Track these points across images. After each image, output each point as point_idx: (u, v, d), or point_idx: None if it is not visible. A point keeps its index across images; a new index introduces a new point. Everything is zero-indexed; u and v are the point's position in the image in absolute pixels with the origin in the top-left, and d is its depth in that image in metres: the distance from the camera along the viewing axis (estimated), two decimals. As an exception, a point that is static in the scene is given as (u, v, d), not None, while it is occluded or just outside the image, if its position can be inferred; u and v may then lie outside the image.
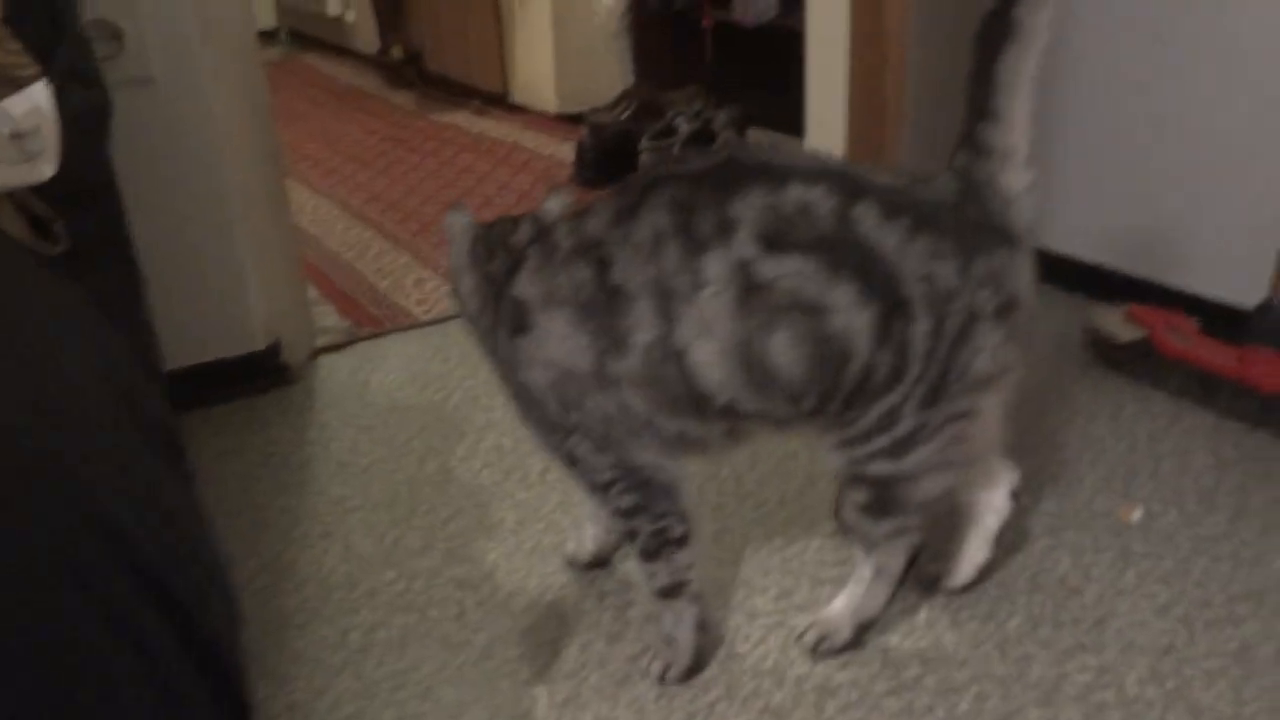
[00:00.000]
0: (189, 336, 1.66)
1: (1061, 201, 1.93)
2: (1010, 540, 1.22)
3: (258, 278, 1.70)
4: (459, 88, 3.87)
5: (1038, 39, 0.94)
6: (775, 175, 0.94)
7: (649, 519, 1.05)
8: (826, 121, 2.03)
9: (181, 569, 0.59)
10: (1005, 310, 0.96)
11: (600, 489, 1.06)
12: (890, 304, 0.93)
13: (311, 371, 1.81)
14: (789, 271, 0.92)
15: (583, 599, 1.23)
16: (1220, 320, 1.65)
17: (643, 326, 0.95)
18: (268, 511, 1.42)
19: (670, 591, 1.08)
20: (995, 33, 0.94)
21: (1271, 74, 1.59)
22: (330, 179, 2.97)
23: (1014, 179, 0.97)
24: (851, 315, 0.93)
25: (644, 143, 2.67)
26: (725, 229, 0.93)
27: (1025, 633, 1.14)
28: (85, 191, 1.11)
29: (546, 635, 1.17)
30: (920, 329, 0.94)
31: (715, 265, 0.93)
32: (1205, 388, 1.56)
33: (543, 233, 1.04)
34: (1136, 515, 1.32)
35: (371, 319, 1.99)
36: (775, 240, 0.92)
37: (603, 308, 0.96)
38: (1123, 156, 1.84)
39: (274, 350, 1.75)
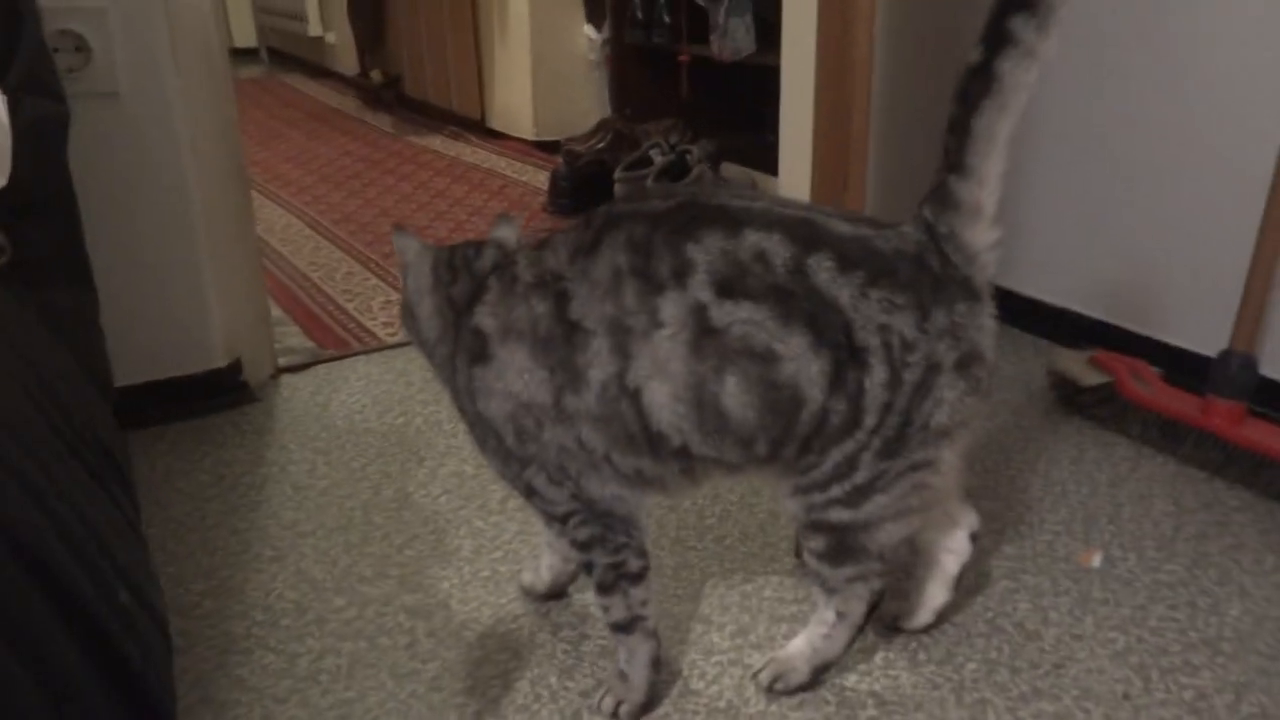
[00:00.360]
0: (148, 352, 1.64)
1: (1027, 245, 1.95)
2: (970, 582, 1.21)
3: (220, 295, 1.68)
4: (437, 112, 3.87)
5: (1018, 97, 0.93)
6: (733, 220, 0.94)
7: (606, 552, 1.03)
8: (796, 157, 2.04)
9: (103, 589, 0.56)
10: (966, 363, 0.95)
11: (558, 520, 1.04)
12: (844, 354, 0.92)
13: (272, 391, 1.79)
14: (742, 318, 0.91)
15: (537, 631, 1.20)
16: (1183, 368, 1.67)
17: (599, 363, 0.94)
18: (218, 532, 1.39)
19: (625, 626, 1.06)
20: (976, 86, 0.93)
21: (1239, 124, 1.62)
22: (302, 198, 2.95)
23: (979, 235, 0.97)
24: (802, 363, 0.92)
25: (618, 173, 2.68)
26: (681, 272, 0.92)
27: (982, 676, 1.13)
28: (39, 203, 1.09)
29: (498, 667, 1.14)
30: (876, 379, 0.93)
31: (671, 307, 0.92)
32: (1166, 435, 1.57)
33: (506, 262, 1.03)
34: (1096, 560, 1.32)
35: (336, 340, 1.97)
36: (729, 286, 0.92)
37: (560, 342, 0.96)
38: (1089, 203, 1.86)
39: (235, 369, 1.73)
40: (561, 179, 2.81)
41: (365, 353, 1.92)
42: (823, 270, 0.92)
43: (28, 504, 0.52)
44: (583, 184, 2.78)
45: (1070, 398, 1.70)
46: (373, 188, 3.06)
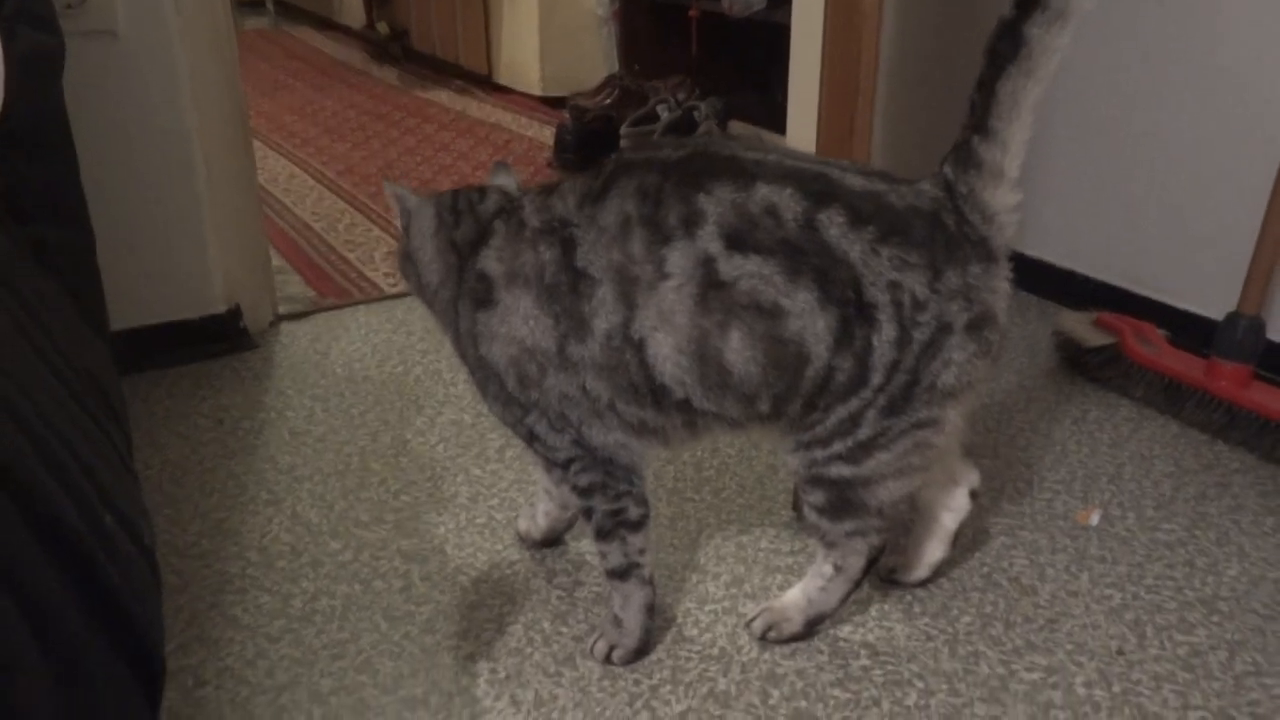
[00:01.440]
0: (148, 296, 1.63)
1: (1034, 207, 1.92)
2: (967, 538, 1.21)
3: (220, 241, 1.66)
4: (443, 66, 3.83)
5: (1047, 62, 0.90)
6: (744, 172, 0.92)
7: (606, 499, 1.03)
8: (803, 114, 2.02)
9: (88, 515, 0.56)
10: (978, 325, 0.94)
11: (559, 466, 1.04)
12: (852, 310, 0.91)
13: (272, 338, 1.78)
14: (749, 272, 0.90)
15: (531, 577, 1.20)
16: (1188, 331, 1.65)
17: (604, 312, 0.93)
18: (215, 475, 1.39)
19: (622, 573, 1.06)
20: (1004, 47, 0.91)
21: (1249, 90, 1.59)
22: (306, 149, 2.93)
23: (999, 197, 0.95)
24: (809, 319, 0.91)
25: (625, 129, 2.65)
26: (691, 222, 0.91)
27: (976, 630, 1.12)
28: (32, 137, 1.07)
29: (492, 611, 1.14)
30: (885, 337, 0.92)
31: (678, 258, 0.91)
32: (1170, 397, 1.56)
33: (511, 207, 1.02)
34: (1094, 518, 1.31)
35: (337, 289, 1.96)
36: (739, 239, 0.90)
37: (566, 289, 0.95)
38: (1099, 166, 1.83)
39: (234, 315, 1.72)
40: (567, 134, 2.78)
41: (365, 302, 1.91)
42: (834, 225, 0.90)
43: (14, 436, 0.52)
44: (589, 140, 2.75)
45: (1074, 359, 1.68)
46: (377, 140, 3.03)
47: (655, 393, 0.96)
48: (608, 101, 2.82)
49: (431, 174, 2.70)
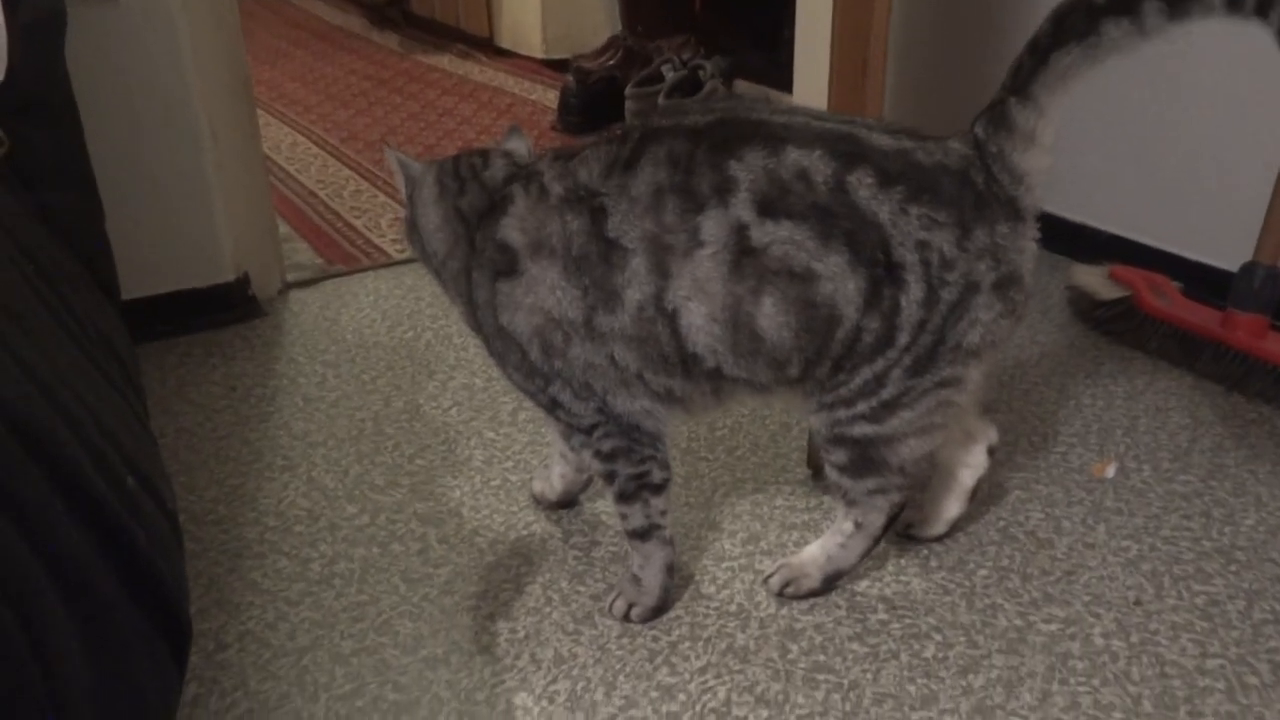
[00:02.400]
0: (156, 264, 1.62)
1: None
2: (983, 492, 1.21)
3: (226, 208, 1.66)
4: (444, 30, 3.79)
5: (1110, 55, 0.90)
6: (774, 137, 0.91)
7: (630, 463, 1.03)
8: (812, 74, 1.99)
9: (111, 477, 0.56)
10: (1004, 284, 0.94)
11: (582, 432, 1.03)
12: (881, 271, 0.90)
13: (281, 306, 1.78)
14: (782, 238, 0.89)
15: (548, 538, 1.21)
16: (1203, 283, 1.64)
17: (637, 282, 0.92)
18: (229, 442, 1.39)
19: (643, 534, 1.06)
20: (1076, 23, 0.89)
21: (1264, 41, 1.56)
22: (308, 116, 2.91)
23: (1030, 160, 0.94)
24: (840, 282, 0.91)
25: (629, 90, 2.62)
26: (724, 189, 0.90)
27: (993, 583, 1.13)
28: (38, 103, 1.07)
29: (510, 572, 1.15)
30: (913, 297, 0.91)
31: (712, 226, 0.90)
32: (1185, 348, 1.55)
33: (526, 174, 1.00)
34: (1110, 471, 1.31)
35: (345, 256, 1.95)
36: (771, 205, 0.89)
37: (597, 260, 0.93)
38: (1111, 118, 1.81)
39: (243, 283, 1.72)
40: (571, 96, 2.76)
41: (374, 268, 1.90)
42: (863, 187, 0.90)
43: (23, 381, 0.51)
44: (593, 101, 2.72)
45: (1088, 312, 1.67)
46: (380, 106, 3.01)
47: (686, 362, 0.95)
48: (611, 63, 2.79)
49: (435, 139, 2.68)
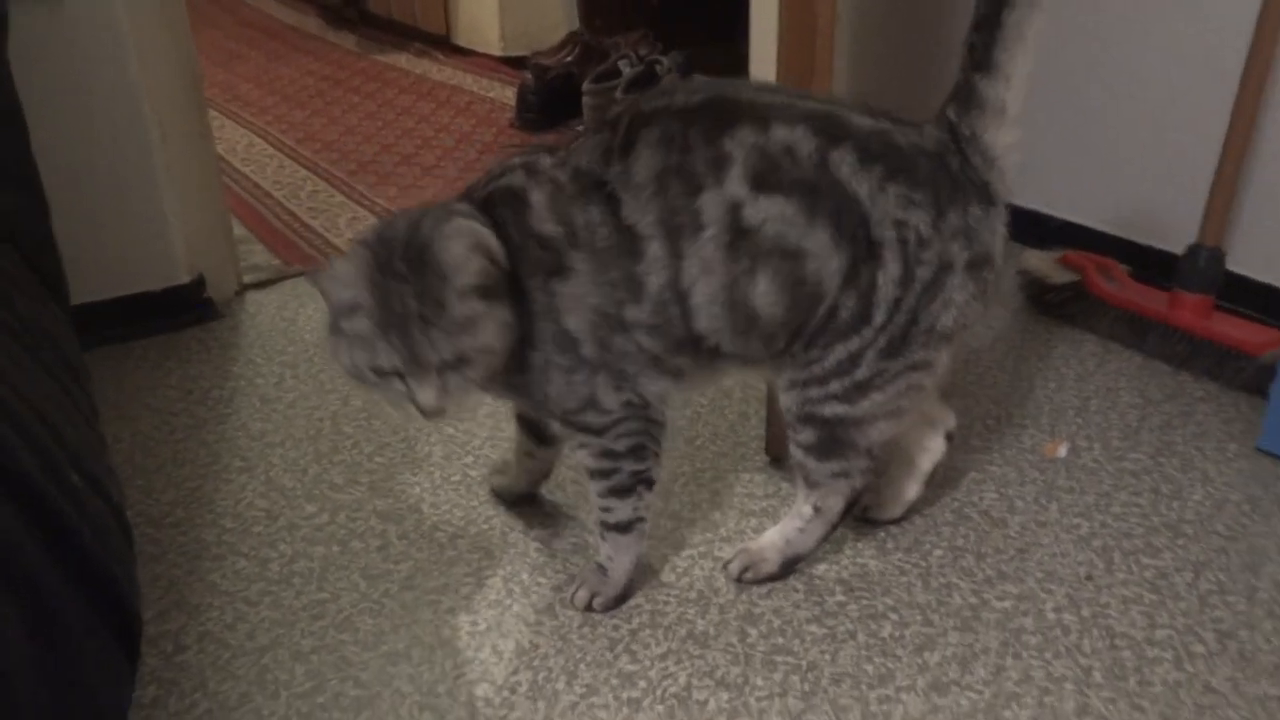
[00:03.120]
0: (108, 268, 1.61)
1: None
2: (938, 475, 1.22)
3: (179, 211, 1.64)
4: (401, 29, 3.77)
5: None
6: (760, 115, 0.92)
7: (637, 460, 1.02)
8: (764, 62, 2.01)
9: (50, 468, 0.55)
10: (977, 265, 0.96)
11: (596, 433, 1.00)
12: (861, 248, 0.92)
13: (238, 308, 1.76)
14: (773, 214, 0.91)
15: (509, 530, 1.21)
16: (1149, 266, 1.67)
17: (655, 269, 0.92)
18: (187, 445, 1.38)
19: (625, 527, 1.05)
20: None
21: (1207, 22, 1.60)
22: (264, 118, 2.88)
23: (1001, 135, 0.96)
24: (825, 259, 0.92)
25: (586, 85, 2.62)
26: (719, 166, 0.91)
27: (948, 562, 1.14)
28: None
29: (470, 566, 1.15)
30: (889, 275, 0.93)
31: (712, 205, 0.91)
32: (1134, 330, 1.58)
33: (524, 168, 0.96)
34: (1062, 451, 1.33)
35: (302, 256, 1.93)
36: (762, 179, 0.90)
37: (622, 251, 0.92)
38: (1059, 106, 1.84)
39: (198, 285, 1.70)
40: (530, 93, 2.75)
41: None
42: (845, 164, 0.91)
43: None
44: (551, 98, 2.72)
45: (1039, 297, 1.70)
46: (337, 106, 2.99)
47: (693, 342, 0.96)
48: (569, 59, 2.79)
49: (394, 138, 2.67)
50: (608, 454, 1.02)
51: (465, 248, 0.88)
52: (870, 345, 0.96)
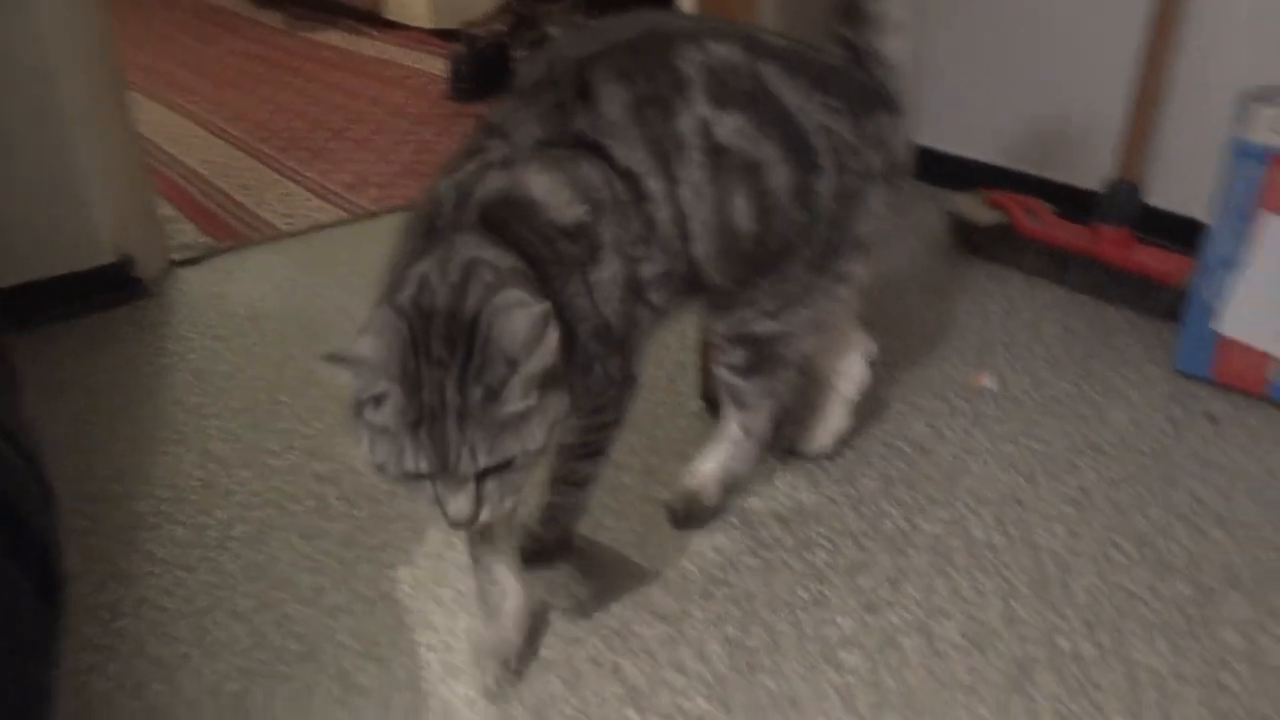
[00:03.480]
0: (31, 250, 1.58)
1: (921, 96, 1.95)
2: (868, 409, 1.25)
3: (102, 190, 1.61)
4: (330, 6, 3.72)
5: None
6: (692, 35, 0.92)
7: (620, 425, 0.97)
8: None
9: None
10: (892, 172, 0.99)
11: (607, 405, 0.93)
12: (803, 158, 0.94)
13: (168, 286, 1.74)
14: (734, 129, 0.91)
15: (447, 486, 1.21)
16: (1073, 204, 1.71)
17: (662, 200, 0.88)
18: (121, 421, 1.37)
19: (594, 481, 1.01)
20: None
21: (1116, -44, 1.63)
22: (191, 98, 2.83)
23: (892, 44, 0.99)
24: (778, 170, 0.93)
25: (519, 53, 2.61)
26: (682, 90, 0.89)
27: (879, 491, 1.17)
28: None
29: (409, 521, 1.15)
30: (826, 184, 0.95)
31: (688, 127, 0.89)
32: (1058, 265, 1.62)
33: (498, 161, 0.85)
34: (987, 381, 1.36)
35: (232, 233, 1.91)
36: (720, 98, 0.90)
37: (631, 197, 0.87)
38: (977, 50, 1.87)
39: (125, 264, 1.67)
40: (462, 64, 2.73)
41: (262, 242, 1.87)
42: (774, 77, 0.93)
43: None
44: (484, 68, 2.70)
45: (967, 238, 1.73)
46: (266, 85, 2.94)
47: (690, 278, 0.93)
48: (501, 28, 2.77)
49: (325, 113, 2.64)
50: (604, 426, 0.96)
51: (529, 324, 0.71)
52: (804, 260, 0.98)
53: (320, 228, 1.91)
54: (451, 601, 1.03)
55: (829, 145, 0.94)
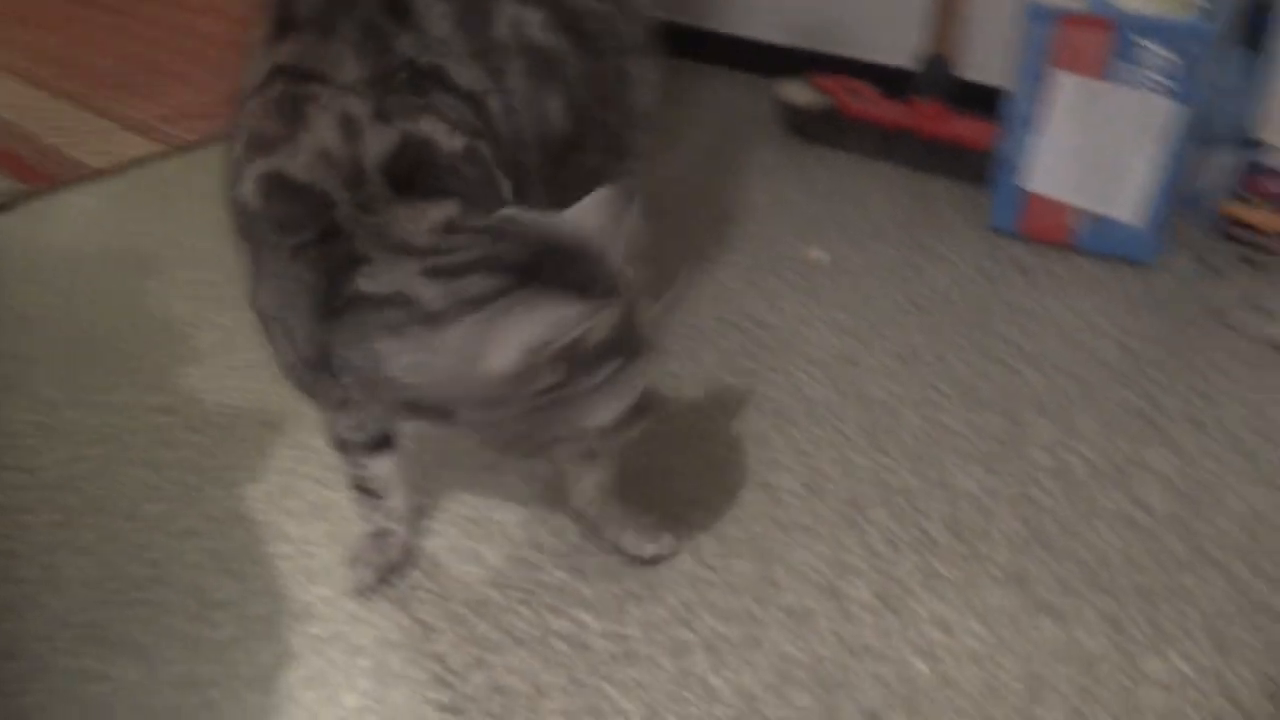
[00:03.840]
0: None
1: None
2: (705, 294, 1.29)
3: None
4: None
5: None
6: None
7: None
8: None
9: None
10: (651, 45, 0.99)
11: None
12: (587, 44, 0.92)
13: (-22, 236, 1.64)
14: (537, 23, 0.86)
15: (293, 405, 1.20)
16: (894, 83, 1.77)
17: (502, 114, 0.82)
18: (-64, 377, 1.30)
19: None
20: None
21: None
22: (-14, 43, 2.63)
23: None
24: (574, 61, 0.90)
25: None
26: None
27: (719, 364, 1.22)
28: None
29: (256, 442, 1.14)
30: (610, 69, 0.94)
31: (505, 30, 0.84)
32: (881, 142, 1.68)
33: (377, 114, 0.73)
34: (820, 255, 1.42)
35: (43, 176, 1.80)
36: None
37: (476, 113, 0.79)
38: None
39: (-75, 216, 1.57)
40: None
41: (78, 181, 1.77)
42: None
43: None
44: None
45: (795, 122, 1.78)
46: (76, 25, 2.75)
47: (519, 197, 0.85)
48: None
49: (139, 49, 2.49)
50: None
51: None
52: (600, 148, 0.97)
53: (139, 162, 1.82)
54: (306, 512, 1.03)
55: (598, 29, 0.93)
